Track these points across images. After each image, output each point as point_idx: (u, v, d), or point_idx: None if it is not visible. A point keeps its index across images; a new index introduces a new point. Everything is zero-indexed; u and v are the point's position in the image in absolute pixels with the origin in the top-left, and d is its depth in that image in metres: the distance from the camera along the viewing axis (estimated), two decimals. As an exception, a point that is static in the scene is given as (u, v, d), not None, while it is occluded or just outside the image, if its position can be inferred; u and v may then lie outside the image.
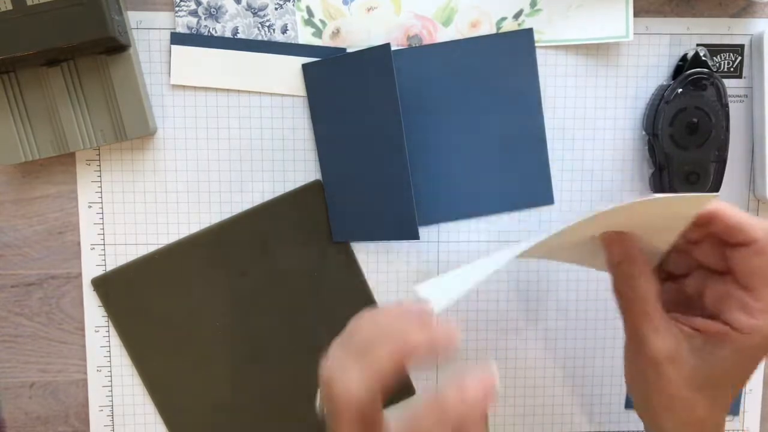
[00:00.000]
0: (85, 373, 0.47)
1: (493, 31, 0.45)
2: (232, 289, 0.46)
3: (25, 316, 0.46)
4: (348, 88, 0.43)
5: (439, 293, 0.32)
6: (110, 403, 0.47)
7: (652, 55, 0.46)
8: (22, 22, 0.39)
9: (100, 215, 0.46)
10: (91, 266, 0.46)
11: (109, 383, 0.47)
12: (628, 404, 0.49)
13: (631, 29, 0.45)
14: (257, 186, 0.46)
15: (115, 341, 0.46)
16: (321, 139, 0.45)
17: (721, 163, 0.45)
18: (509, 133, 0.46)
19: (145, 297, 0.46)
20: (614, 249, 0.35)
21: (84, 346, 0.46)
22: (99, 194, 0.45)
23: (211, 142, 0.45)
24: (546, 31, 0.45)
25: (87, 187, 0.45)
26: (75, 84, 0.43)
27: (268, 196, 0.46)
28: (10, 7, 0.39)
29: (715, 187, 0.45)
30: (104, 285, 0.46)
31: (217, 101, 0.45)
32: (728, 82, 0.46)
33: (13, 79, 0.42)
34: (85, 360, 0.47)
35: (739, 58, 0.46)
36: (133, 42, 0.44)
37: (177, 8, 0.44)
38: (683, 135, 0.44)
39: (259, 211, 0.46)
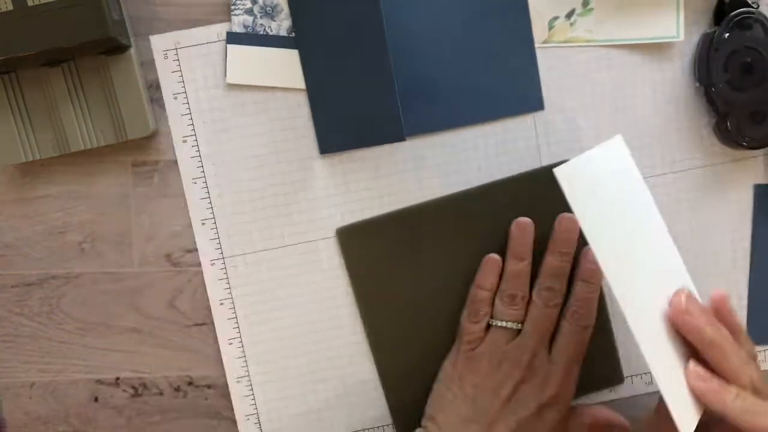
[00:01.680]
0: (86, 373, 0.47)
1: (546, 31, 0.45)
2: (466, 258, 0.46)
3: (25, 316, 0.46)
4: None
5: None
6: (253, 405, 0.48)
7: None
8: (23, 23, 0.39)
9: (215, 230, 0.46)
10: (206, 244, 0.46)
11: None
12: None
13: (682, 29, 0.44)
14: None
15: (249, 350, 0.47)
16: (304, 47, 0.44)
17: None
18: (496, 37, 0.45)
19: (384, 253, 0.46)
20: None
21: (84, 345, 0.47)
22: (210, 210, 0.46)
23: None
24: (596, 30, 0.45)
25: (197, 204, 0.46)
26: (75, 84, 0.43)
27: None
28: (10, 7, 0.38)
29: None
30: (347, 236, 0.46)
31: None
32: None
33: (13, 79, 0.42)
34: (85, 360, 0.47)
35: None
36: (133, 42, 0.44)
37: (233, 6, 0.44)
38: (739, 78, 0.44)
39: (510, 183, 0.46)
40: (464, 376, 0.44)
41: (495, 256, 0.45)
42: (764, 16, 0.44)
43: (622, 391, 0.48)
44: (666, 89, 0.46)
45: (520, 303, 0.43)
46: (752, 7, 0.44)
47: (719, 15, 0.45)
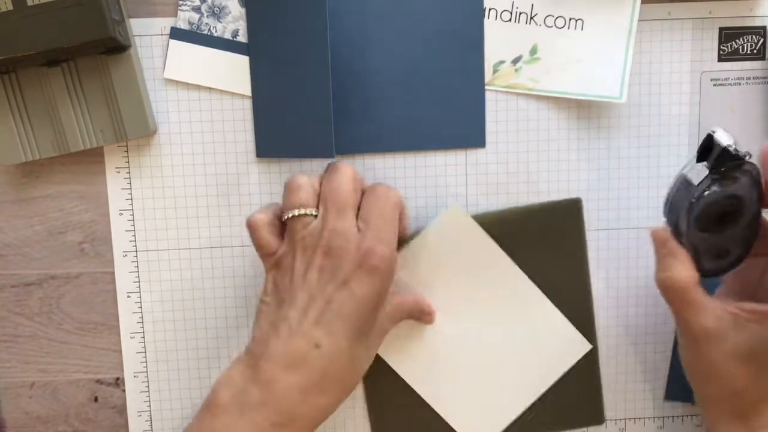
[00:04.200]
0: (86, 373, 0.47)
1: (490, 73, 0.45)
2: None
3: (25, 316, 0.46)
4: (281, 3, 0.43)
5: None
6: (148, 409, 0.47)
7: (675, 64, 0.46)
8: (23, 23, 0.39)
9: (131, 222, 0.46)
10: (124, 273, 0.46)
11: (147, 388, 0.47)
12: (668, 396, 0.49)
13: (626, 91, 0.44)
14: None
15: (151, 347, 0.47)
16: (254, 54, 0.44)
17: (753, 230, 0.40)
18: (448, 70, 0.45)
19: None
20: (659, 245, 0.40)
21: (84, 345, 0.47)
22: (129, 201, 0.46)
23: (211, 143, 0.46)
24: (541, 80, 0.45)
25: (117, 194, 0.46)
26: (75, 84, 0.43)
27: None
28: (10, 7, 0.39)
29: (745, 252, 0.41)
30: None
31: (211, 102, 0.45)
32: (751, 64, 0.46)
33: (13, 79, 0.42)
34: (85, 360, 0.47)
35: (762, 39, 0.46)
36: (133, 42, 0.44)
37: (181, 1, 0.44)
38: (712, 223, 0.39)
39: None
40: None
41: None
42: (755, 167, 0.38)
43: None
44: (611, 149, 0.47)
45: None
46: (744, 159, 0.38)
47: (705, 152, 0.39)
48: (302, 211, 0.39)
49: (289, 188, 0.40)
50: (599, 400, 0.48)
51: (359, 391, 0.47)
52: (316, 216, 0.39)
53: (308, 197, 0.39)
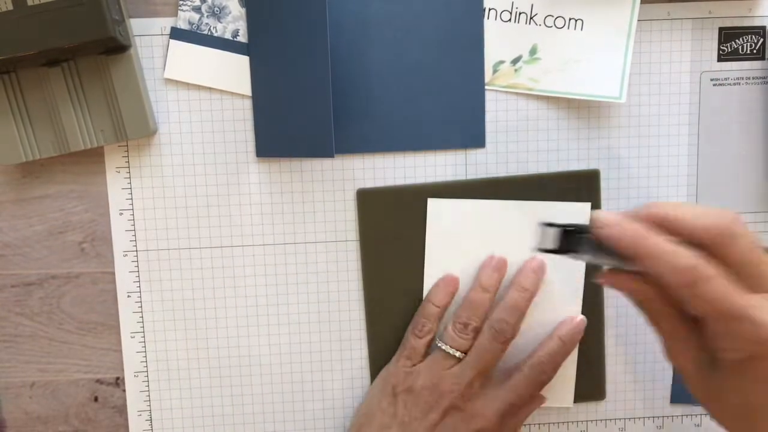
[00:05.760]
0: (86, 373, 0.47)
1: (490, 73, 0.45)
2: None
3: (26, 316, 0.46)
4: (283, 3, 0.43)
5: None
6: (148, 406, 0.47)
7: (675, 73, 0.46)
8: (23, 22, 0.39)
9: (131, 222, 0.46)
10: (125, 273, 0.46)
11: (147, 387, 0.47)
12: (674, 399, 0.49)
13: (625, 91, 0.44)
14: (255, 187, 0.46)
15: (151, 347, 0.47)
16: (255, 54, 0.44)
17: None
18: (448, 71, 0.45)
19: (401, 222, 0.46)
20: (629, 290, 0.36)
21: (84, 345, 0.47)
22: (129, 201, 0.46)
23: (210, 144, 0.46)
24: (541, 80, 0.45)
25: (117, 194, 0.46)
26: (75, 84, 0.43)
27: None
28: (10, 7, 0.39)
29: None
30: (366, 198, 0.46)
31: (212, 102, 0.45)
32: (750, 64, 0.46)
33: (13, 79, 0.42)
34: (85, 360, 0.47)
35: (762, 39, 0.46)
36: (133, 42, 0.44)
37: (181, 1, 0.44)
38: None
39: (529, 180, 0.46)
40: (398, 391, 0.44)
41: (454, 276, 0.46)
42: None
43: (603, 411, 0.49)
44: (611, 149, 0.47)
45: (470, 333, 0.43)
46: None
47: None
48: (453, 353, 0.44)
49: (459, 324, 0.44)
50: (602, 376, 0.48)
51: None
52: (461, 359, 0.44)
53: (468, 343, 0.44)
